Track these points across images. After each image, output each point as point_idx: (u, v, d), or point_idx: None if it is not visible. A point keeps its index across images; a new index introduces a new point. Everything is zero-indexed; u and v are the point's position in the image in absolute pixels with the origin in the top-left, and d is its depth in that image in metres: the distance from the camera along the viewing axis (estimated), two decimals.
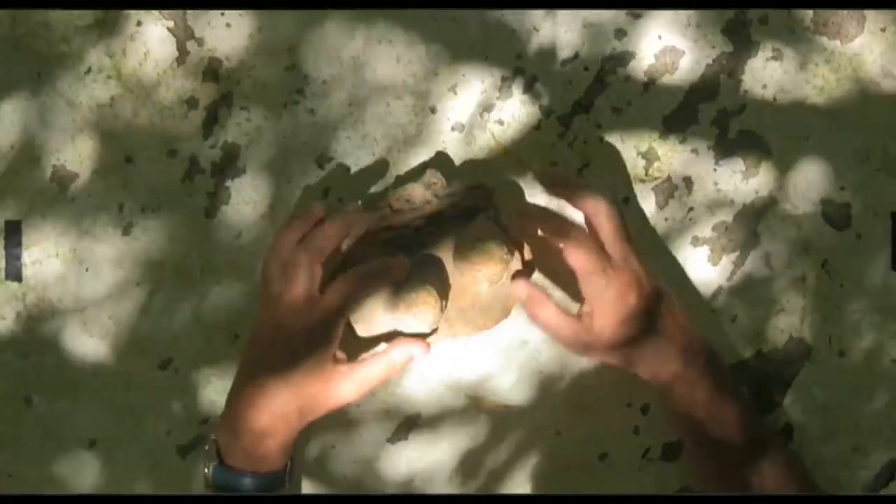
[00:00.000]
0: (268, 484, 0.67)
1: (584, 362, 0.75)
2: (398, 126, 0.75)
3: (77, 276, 0.75)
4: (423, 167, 0.75)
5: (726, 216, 0.76)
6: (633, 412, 0.75)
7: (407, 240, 0.72)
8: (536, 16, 0.75)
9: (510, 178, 0.75)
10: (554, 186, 0.72)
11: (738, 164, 0.76)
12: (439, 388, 0.75)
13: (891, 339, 0.76)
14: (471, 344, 0.74)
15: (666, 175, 0.76)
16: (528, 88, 0.75)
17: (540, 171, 0.74)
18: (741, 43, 0.75)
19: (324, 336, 0.67)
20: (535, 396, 0.75)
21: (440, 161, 0.75)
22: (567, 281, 0.72)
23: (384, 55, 0.75)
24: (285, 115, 0.75)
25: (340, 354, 0.69)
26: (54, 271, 0.75)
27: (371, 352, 0.72)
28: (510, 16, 0.75)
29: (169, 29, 0.74)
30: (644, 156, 0.75)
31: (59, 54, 0.74)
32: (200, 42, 0.74)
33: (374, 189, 0.75)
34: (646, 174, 0.76)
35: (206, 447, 0.68)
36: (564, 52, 0.75)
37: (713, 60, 0.75)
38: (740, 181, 0.76)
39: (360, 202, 0.73)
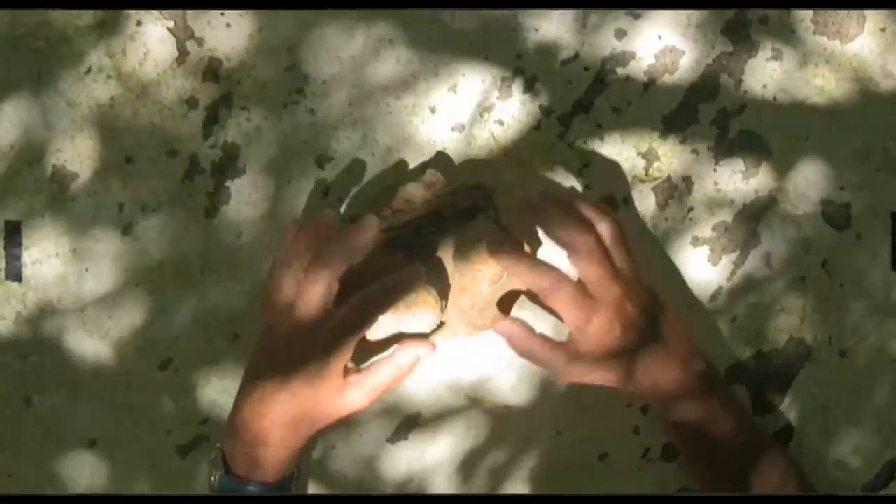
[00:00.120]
0: (273, 492, 0.67)
1: None
2: (398, 126, 0.75)
3: (77, 276, 0.75)
4: (423, 167, 0.75)
5: (726, 216, 0.76)
6: (633, 412, 0.75)
7: (407, 240, 0.72)
8: (536, 16, 0.75)
9: (510, 178, 0.75)
10: (533, 218, 0.70)
11: (738, 164, 0.75)
12: (439, 388, 0.75)
13: (891, 339, 0.76)
14: (471, 344, 0.74)
15: (666, 175, 0.75)
16: (528, 88, 0.75)
17: (523, 199, 0.71)
18: (741, 43, 0.75)
19: (337, 351, 0.65)
20: (535, 396, 0.75)
21: (440, 161, 0.75)
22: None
23: (384, 55, 0.75)
24: (285, 115, 0.75)
25: (350, 364, 0.68)
26: (54, 271, 0.75)
27: (377, 357, 0.71)
28: (510, 16, 0.75)
29: (169, 29, 0.74)
30: (644, 156, 0.75)
31: (59, 54, 0.74)
32: (200, 42, 0.74)
33: (374, 189, 0.75)
34: (646, 174, 0.75)
35: (213, 456, 0.68)
36: (564, 52, 0.75)
37: (713, 60, 0.75)
38: (740, 181, 0.76)
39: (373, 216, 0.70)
